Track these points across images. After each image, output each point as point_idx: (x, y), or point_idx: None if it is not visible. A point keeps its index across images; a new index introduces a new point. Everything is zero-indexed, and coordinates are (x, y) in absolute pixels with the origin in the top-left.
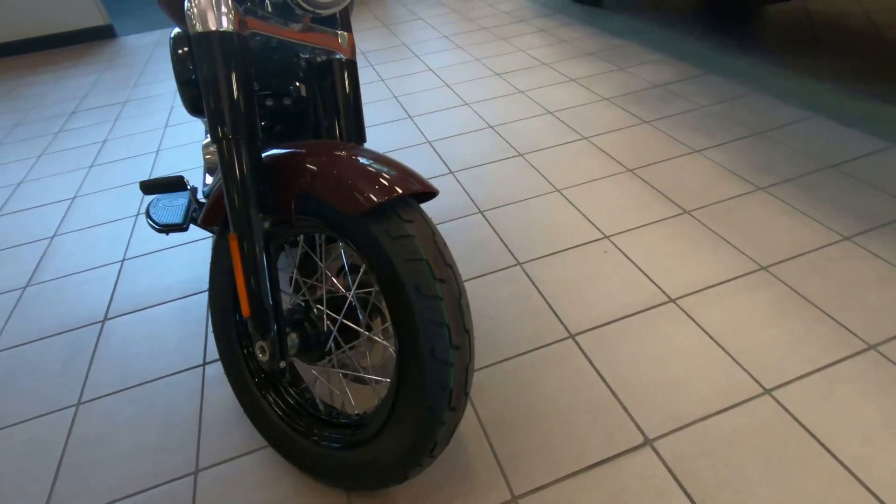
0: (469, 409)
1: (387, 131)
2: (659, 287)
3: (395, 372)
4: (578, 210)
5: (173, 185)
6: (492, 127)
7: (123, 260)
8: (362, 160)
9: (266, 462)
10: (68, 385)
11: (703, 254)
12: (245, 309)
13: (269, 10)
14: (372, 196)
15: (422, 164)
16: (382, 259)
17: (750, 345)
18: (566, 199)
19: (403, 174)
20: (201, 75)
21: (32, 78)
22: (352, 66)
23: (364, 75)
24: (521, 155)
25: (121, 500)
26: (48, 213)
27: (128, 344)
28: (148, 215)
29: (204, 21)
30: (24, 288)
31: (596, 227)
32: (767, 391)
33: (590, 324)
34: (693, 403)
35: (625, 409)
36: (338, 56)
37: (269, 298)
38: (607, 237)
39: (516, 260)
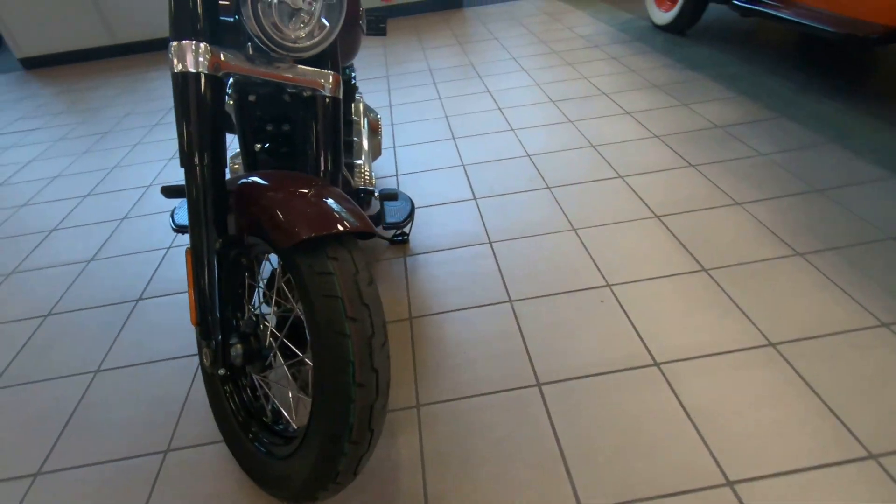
0: (415, 437)
1: (425, 150)
2: (646, 347)
3: (311, 397)
4: (588, 252)
5: None
6: (529, 156)
7: (169, 248)
8: (311, 196)
9: (226, 454)
10: (94, 353)
11: (707, 318)
12: (192, 317)
13: (251, 51)
14: (299, 231)
15: (448, 187)
16: (304, 291)
17: (727, 428)
18: (580, 239)
19: (341, 214)
20: (175, 108)
21: (153, 73)
22: (335, 103)
23: (422, 93)
24: (548, 188)
25: (102, 464)
26: (125, 198)
27: (152, 324)
28: (171, 216)
29: (181, 62)
30: (88, 262)
31: (601, 272)
32: (730, 483)
33: (561, 374)
34: (644, 480)
35: (568, 472)
36: (321, 93)
37: (217, 310)
38: (609, 285)
39: (508, 297)
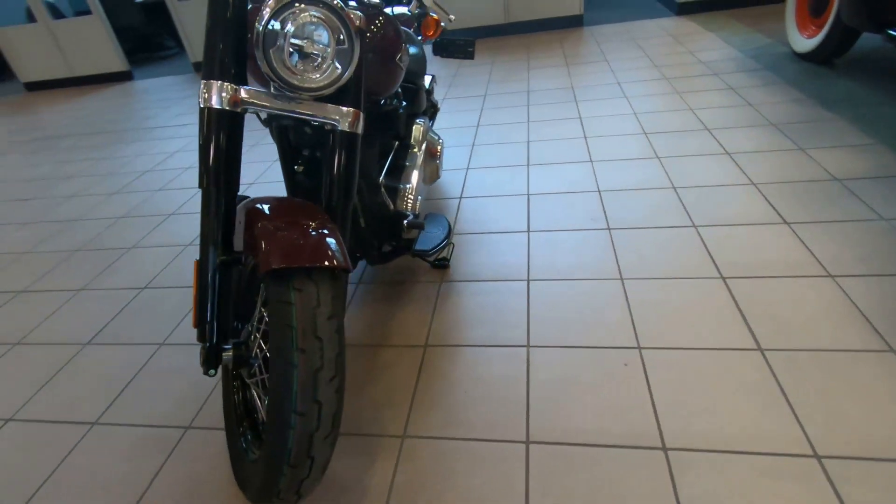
0: (391, 467)
1: (496, 175)
2: (659, 426)
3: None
4: (629, 306)
5: None
6: (599, 191)
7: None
8: (297, 229)
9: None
10: (164, 328)
11: (744, 407)
12: (193, 321)
13: (272, 89)
14: (271, 261)
15: (506, 216)
16: (269, 316)
17: None
18: (624, 290)
19: (317, 248)
20: (199, 136)
21: None
22: (351, 138)
23: (512, 115)
24: (608, 229)
25: (128, 426)
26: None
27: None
28: None
29: (206, 98)
30: (185, 246)
31: (635, 331)
32: None
33: (554, 436)
34: None
35: None
36: (340, 128)
37: (213, 317)
38: (640, 348)
39: (528, 341)
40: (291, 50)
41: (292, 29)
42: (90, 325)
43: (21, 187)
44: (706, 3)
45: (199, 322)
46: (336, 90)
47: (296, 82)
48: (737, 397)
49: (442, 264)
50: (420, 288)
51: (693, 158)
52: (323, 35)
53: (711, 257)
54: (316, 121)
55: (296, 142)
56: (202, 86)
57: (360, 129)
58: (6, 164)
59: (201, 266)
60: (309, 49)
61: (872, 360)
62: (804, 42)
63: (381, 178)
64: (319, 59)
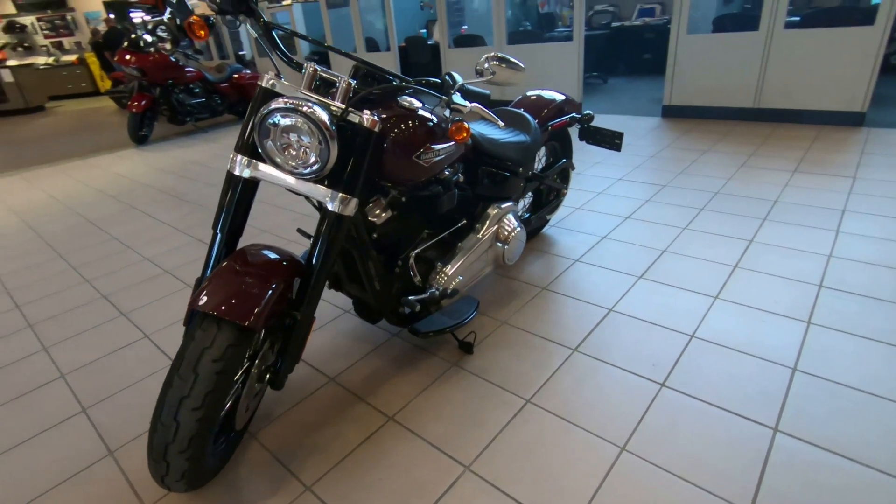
0: None
1: (667, 297)
2: None
3: None
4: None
5: None
6: (788, 367)
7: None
8: (241, 280)
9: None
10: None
11: None
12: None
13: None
14: (194, 300)
15: (646, 353)
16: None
17: None
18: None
19: (236, 302)
20: (221, 193)
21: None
22: (339, 218)
23: (668, 214)
24: (775, 430)
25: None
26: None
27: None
28: None
29: (232, 166)
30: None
31: None
32: None
33: None
34: None
35: None
36: (329, 208)
37: None
38: None
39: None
40: (280, 143)
41: (281, 126)
42: None
43: None
44: None
45: None
46: (327, 175)
47: (285, 166)
48: None
49: (466, 349)
50: (431, 362)
51: (856, 339)
52: (303, 136)
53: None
54: (310, 197)
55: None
56: (232, 155)
57: (348, 212)
58: None
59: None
60: (294, 144)
61: None
62: None
63: (413, 251)
64: (302, 152)
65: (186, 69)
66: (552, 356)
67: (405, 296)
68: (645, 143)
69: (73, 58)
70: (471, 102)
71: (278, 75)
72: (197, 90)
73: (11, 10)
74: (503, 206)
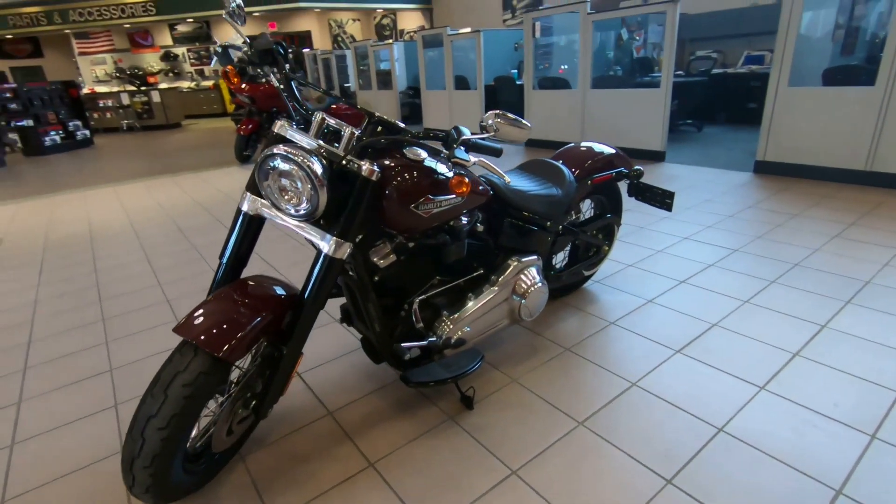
0: None
1: (705, 378)
2: None
3: None
4: None
5: None
6: (833, 492)
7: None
8: (225, 311)
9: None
10: None
11: None
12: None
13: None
14: (183, 329)
15: (657, 441)
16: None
17: None
18: None
19: (213, 332)
20: (230, 226)
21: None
22: (330, 262)
23: (681, 267)
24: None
25: None
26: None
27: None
28: None
29: (242, 203)
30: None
31: None
32: None
33: None
34: None
35: None
36: (323, 250)
37: None
38: None
39: None
40: (277, 185)
41: (279, 170)
42: None
43: None
44: None
45: None
46: (324, 217)
47: (282, 207)
48: None
49: (466, 403)
50: (429, 411)
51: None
52: (297, 181)
53: None
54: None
55: None
56: (242, 193)
57: (339, 255)
58: None
59: None
60: (288, 187)
61: None
62: None
63: (419, 296)
64: (295, 196)
65: None
66: (554, 426)
67: (406, 340)
68: (727, 200)
69: (209, 83)
70: (477, 156)
71: (290, 120)
72: (297, 118)
73: (169, 41)
74: (524, 258)
